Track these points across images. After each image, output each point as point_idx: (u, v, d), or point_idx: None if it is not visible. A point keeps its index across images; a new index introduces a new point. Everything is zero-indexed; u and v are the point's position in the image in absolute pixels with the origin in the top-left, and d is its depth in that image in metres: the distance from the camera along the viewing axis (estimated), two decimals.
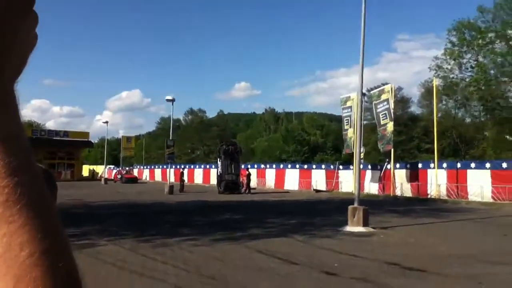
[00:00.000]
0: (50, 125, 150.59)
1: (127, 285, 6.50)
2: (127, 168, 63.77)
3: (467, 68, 34.59)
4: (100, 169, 68.35)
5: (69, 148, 59.45)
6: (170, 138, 36.28)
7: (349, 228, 13.18)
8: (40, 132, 61.61)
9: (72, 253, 0.47)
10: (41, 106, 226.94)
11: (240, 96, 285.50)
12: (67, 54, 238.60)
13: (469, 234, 12.76)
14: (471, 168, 26.98)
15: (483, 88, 33.10)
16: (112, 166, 71.96)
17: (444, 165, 28.90)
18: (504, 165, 25.48)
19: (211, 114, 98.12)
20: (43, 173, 0.88)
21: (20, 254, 0.41)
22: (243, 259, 8.58)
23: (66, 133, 60.24)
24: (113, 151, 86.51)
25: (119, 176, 54.66)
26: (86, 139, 63.32)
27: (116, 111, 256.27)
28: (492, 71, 33.31)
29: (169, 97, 34.11)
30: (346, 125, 34.60)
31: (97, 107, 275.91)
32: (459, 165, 28.23)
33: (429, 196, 27.57)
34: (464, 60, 34.41)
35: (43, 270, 0.40)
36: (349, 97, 34.83)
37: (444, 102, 47.40)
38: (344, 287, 6.50)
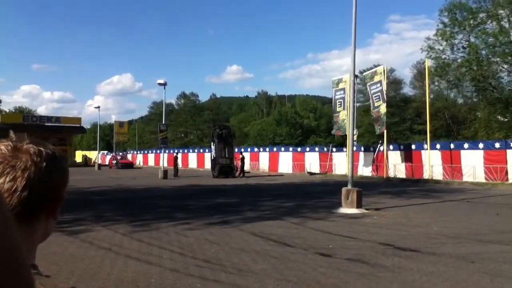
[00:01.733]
0: (42, 111, 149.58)
1: (123, 270, 6.51)
2: (121, 154, 63.49)
3: (459, 49, 34.57)
4: (93, 155, 68.07)
5: (61, 134, 59.00)
6: (163, 122, 36.11)
7: (343, 210, 13.27)
8: (31, 118, 61.13)
9: (16, 234, 0.48)
10: (31, 91, 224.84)
11: (232, 79, 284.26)
12: (55, 38, 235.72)
13: (461, 214, 12.89)
14: (464, 149, 27.15)
15: (475, 68, 33.13)
16: (105, 152, 71.70)
17: (438, 146, 29.07)
18: (497, 145, 25.68)
19: (203, 98, 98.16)
20: (49, 157, 0.85)
21: None
22: (238, 242, 8.62)
23: (58, 119, 59.79)
24: (106, 136, 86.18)
25: (114, 162, 54.33)
26: (78, 125, 62.89)
27: (107, 96, 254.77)
28: (483, 52, 33.28)
29: (161, 81, 33.86)
30: (339, 107, 34.60)
31: (88, 92, 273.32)
32: (452, 145, 28.39)
33: (424, 177, 27.74)
34: (456, 41, 34.36)
35: None
36: (341, 79, 34.81)
37: (436, 83, 47.37)
38: (339, 268, 6.55)
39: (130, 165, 53.03)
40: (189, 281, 5.89)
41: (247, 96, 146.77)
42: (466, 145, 27.51)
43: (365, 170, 32.46)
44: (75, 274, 6.29)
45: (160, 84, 33.93)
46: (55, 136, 58.32)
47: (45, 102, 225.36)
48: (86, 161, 62.10)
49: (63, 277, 6.12)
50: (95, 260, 7.15)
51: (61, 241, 8.82)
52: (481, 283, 5.79)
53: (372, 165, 32.42)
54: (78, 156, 69.30)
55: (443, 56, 34.40)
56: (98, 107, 55.01)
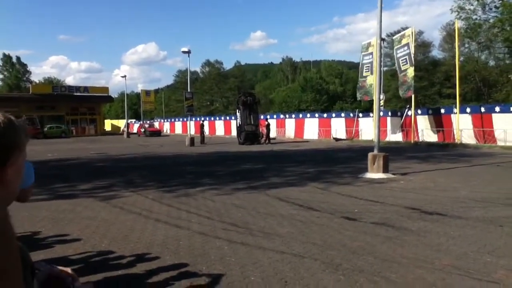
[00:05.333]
0: (70, 81, 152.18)
1: (153, 233, 6.72)
2: (148, 122, 64.26)
3: (491, 9, 33.03)
4: (121, 123, 69.13)
5: (90, 104, 59.98)
6: (188, 90, 36.23)
7: (369, 175, 13.24)
8: (60, 88, 62.09)
9: None
10: (59, 62, 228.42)
11: (256, 46, 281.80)
12: (80, 9, 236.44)
13: (491, 178, 12.68)
14: (495, 112, 26.41)
15: (508, 29, 31.78)
16: (133, 120, 72.69)
17: (468, 109, 28.33)
18: None
19: (228, 65, 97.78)
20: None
21: None
22: (264, 206, 8.74)
23: (86, 89, 60.58)
24: (133, 105, 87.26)
25: (142, 130, 55.15)
26: (106, 94, 63.68)
27: (133, 65, 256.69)
28: None
29: (185, 49, 33.72)
30: (366, 71, 33.96)
31: (114, 62, 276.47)
32: (483, 109, 27.63)
33: (453, 142, 27.22)
34: (488, 0, 32.88)
35: None
36: (370, 43, 34.02)
37: (466, 45, 45.76)
38: (364, 232, 6.60)
39: (158, 133, 53.69)
40: (217, 244, 6.04)
41: (271, 62, 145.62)
42: (497, 109, 26.75)
43: (392, 135, 32.07)
44: (107, 237, 6.52)
45: (184, 52, 33.83)
46: (84, 106, 59.44)
47: (73, 72, 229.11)
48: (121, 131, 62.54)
49: (96, 240, 6.36)
50: (126, 224, 7.39)
51: (93, 206, 9.13)
52: (510, 247, 5.75)
53: (400, 130, 31.99)
54: (107, 124, 70.54)
55: (474, 17, 32.99)
56: (125, 76, 55.34)
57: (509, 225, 6.86)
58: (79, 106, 58.94)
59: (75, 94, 58.59)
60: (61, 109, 56.71)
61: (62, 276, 1.37)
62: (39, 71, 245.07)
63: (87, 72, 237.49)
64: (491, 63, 50.08)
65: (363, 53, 34.72)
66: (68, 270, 1.41)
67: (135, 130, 60.64)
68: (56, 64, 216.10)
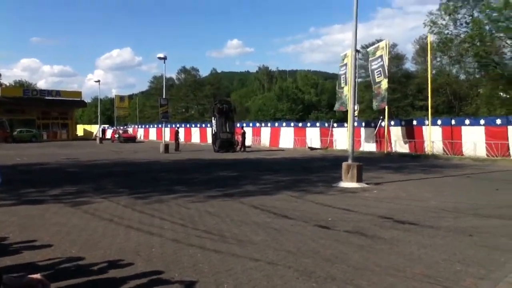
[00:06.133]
0: (42, 84, 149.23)
1: (125, 240, 6.60)
2: (122, 127, 63.38)
3: (462, 24, 33.99)
4: (94, 128, 68.06)
5: (63, 108, 58.86)
6: (164, 96, 35.96)
7: (343, 184, 13.35)
8: (32, 91, 60.74)
9: None
10: (31, 65, 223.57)
11: (233, 54, 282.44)
12: (54, 11, 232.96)
13: (461, 189, 12.97)
14: (465, 125, 27.13)
15: (478, 44, 32.71)
16: (106, 126, 71.63)
17: (439, 122, 29.01)
18: (498, 121, 25.65)
19: (204, 72, 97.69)
20: None
21: None
22: (238, 214, 8.70)
23: (58, 93, 59.41)
24: (106, 110, 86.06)
25: (116, 136, 54.21)
26: (79, 98, 62.58)
27: (107, 70, 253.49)
28: (487, 27, 32.78)
29: (161, 55, 33.48)
30: (343, 82, 34.40)
31: (88, 66, 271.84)
32: (453, 121, 28.34)
33: (425, 153, 27.76)
34: (459, 16, 33.70)
35: None
36: (346, 54, 34.46)
37: (438, 59, 46.95)
38: (338, 240, 6.64)
39: (133, 139, 52.91)
40: (190, 251, 5.97)
41: (248, 71, 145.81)
42: (467, 121, 27.48)
43: (366, 146, 32.50)
44: (77, 243, 6.37)
45: (160, 58, 33.58)
46: (56, 110, 58.26)
47: (45, 76, 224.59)
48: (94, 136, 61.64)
49: (66, 246, 6.21)
50: (97, 231, 7.24)
51: (63, 212, 8.92)
52: (479, 256, 5.87)
53: (373, 141, 32.44)
54: (80, 129, 69.31)
55: (446, 31, 33.87)
56: (98, 81, 54.61)
57: (479, 235, 7.00)
58: (51, 111, 57.78)
59: (46, 98, 57.38)
60: (32, 113, 55.47)
61: (31, 285, 1.33)
62: (9, 74, 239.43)
63: (60, 76, 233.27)
64: (462, 77, 51.41)
65: (340, 64, 35.17)
66: (38, 276, 1.37)
67: (108, 136, 59.73)
68: (27, 67, 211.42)
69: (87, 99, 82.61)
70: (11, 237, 6.75)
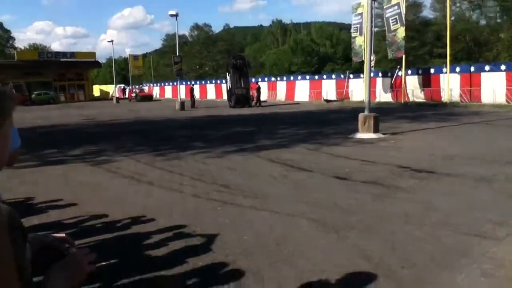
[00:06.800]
0: (56, 47, 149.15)
1: (146, 196, 6.76)
2: (138, 86, 63.38)
3: None
4: (110, 88, 68.25)
5: (78, 69, 58.95)
6: (177, 54, 35.68)
7: (360, 135, 13.31)
8: (46, 54, 60.79)
9: None
10: (44, 28, 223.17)
11: (245, 8, 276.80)
12: None
13: (480, 136, 12.81)
14: (485, 71, 26.42)
15: None
16: (122, 85, 71.74)
17: (457, 69, 28.28)
18: None
19: (217, 28, 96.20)
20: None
21: None
22: (255, 168, 8.80)
23: (72, 54, 59.36)
24: (121, 70, 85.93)
25: (133, 95, 54.30)
26: (94, 59, 62.51)
27: (120, 30, 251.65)
28: None
29: (173, 12, 32.92)
30: (355, 32, 33.58)
31: (101, 26, 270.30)
32: (472, 68, 27.58)
33: (443, 101, 27.32)
34: None
35: None
36: (360, 3, 33.44)
37: (458, 4, 45.34)
38: (355, 190, 6.69)
39: (149, 98, 52.94)
40: (210, 205, 6.11)
41: (261, 25, 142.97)
42: (487, 67, 26.72)
43: (383, 96, 32.06)
44: (102, 201, 6.56)
45: (171, 15, 33.04)
46: (72, 72, 58.44)
47: (59, 38, 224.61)
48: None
49: (91, 204, 6.40)
50: (120, 188, 7.42)
51: (87, 171, 9.14)
52: (497, 202, 5.87)
53: (390, 91, 31.96)
54: (96, 90, 69.62)
55: None
56: (112, 41, 54.19)
57: (498, 182, 6.98)
58: (67, 72, 57.92)
59: (61, 60, 57.45)
60: (48, 76, 55.71)
61: (55, 244, 1.37)
62: (23, 37, 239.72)
63: (73, 37, 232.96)
64: (482, 22, 49.69)
65: (353, 14, 34.22)
66: (63, 235, 1.41)
67: (127, 95, 59.80)
68: (41, 30, 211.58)
69: (101, 59, 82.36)
70: (37, 197, 6.97)
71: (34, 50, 77.88)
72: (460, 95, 27.06)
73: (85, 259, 1.21)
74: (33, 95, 49.54)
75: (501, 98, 24.81)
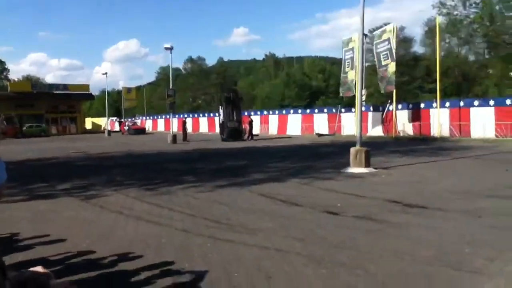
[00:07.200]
0: (49, 79, 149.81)
1: (134, 231, 6.66)
2: (130, 119, 63.52)
3: (471, 5, 33.63)
4: (102, 121, 68.32)
5: (71, 102, 59.16)
6: (171, 87, 35.95)
7: (351, 170, 13.33)
8: (40, 86, 61.07)
9: None
10: (39, 59, 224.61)
11: (239, 42, 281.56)
12: (60, 5, 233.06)
13: (470, 171, 12.88)
14: (474, 106, 26.83)
15: (487, 24, 32.30)
16: (114, 118, 71.86)
17: (447, 104, 28.72)
18: (508, 101, 25.35)
19: (210, 61, 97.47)
20: None
21: None
22: (246, 202, 8.73)
23: (66, 86, 59.69)
24: (114, 103, 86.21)
25: (126, 128, 54.27)
26: (87, 92, 62.81)
27: (114, 62, 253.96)
28: (497, 7, 32.31)
29: (167, 45, 33.36)
30: (347, 67, 34.11)
31: (95, 59, 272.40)
32: (462, 103, 28.03)
33: (432, 135, 27.58)
34: None
35: None
36: (351, 38, 34.13)
37: (447, 40, 46.42)
38: (346, 226, 6.64)
39: (142, 131, 52.99)
40: (199, 241, 6.01)
41: (254, 59, 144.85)
42: (476, 102, 27.16)
43: (374, 130, 32.34)
44: (89, 237, 6.44)
45: (166, 48, 33.49)
46: (64, 104, 58.57)
47: (53, 69, 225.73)
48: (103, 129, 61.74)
49: (79, 239, 6.27)
50: (107, 223, 7.30)
51: (74, 206, 9.01)
52: (488, 237, 5.84)
53: (381, 125, 32.26)
54: (88, 123, 69.65)
55: (455, 13, 33.53)
56: (106, 73, 54.65)
57: (489, 216, 6.97)
58: (59, 104, 58.08)
59: (54, 92, 57.66)
60: (40, 108, 55.79)
61: (35, 276, 1.34)
62: (17, 69, 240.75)
63: (68, 69, 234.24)
64: (471, 58, 50.80)
65: (344, 49, 34.84)
66: (39, 268, 1.38)
67: (116, 128, 59.88)
68: (35, 62, 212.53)
69: (95, 91, 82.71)
70: (23, 232, 6.83)
71: (27, 81, 78.16)
72: (450, 130, 27.36)
73: None
74: (25, 127, 49.44)
75: (490, 133, 25.13)
